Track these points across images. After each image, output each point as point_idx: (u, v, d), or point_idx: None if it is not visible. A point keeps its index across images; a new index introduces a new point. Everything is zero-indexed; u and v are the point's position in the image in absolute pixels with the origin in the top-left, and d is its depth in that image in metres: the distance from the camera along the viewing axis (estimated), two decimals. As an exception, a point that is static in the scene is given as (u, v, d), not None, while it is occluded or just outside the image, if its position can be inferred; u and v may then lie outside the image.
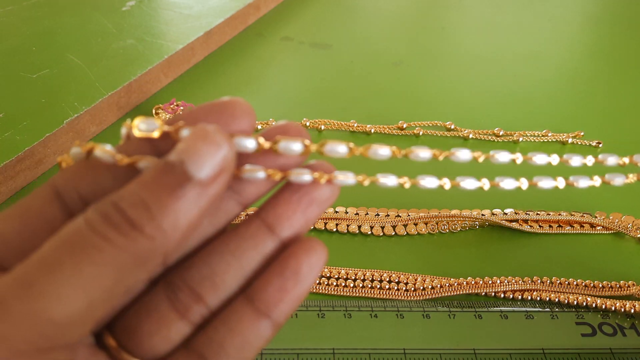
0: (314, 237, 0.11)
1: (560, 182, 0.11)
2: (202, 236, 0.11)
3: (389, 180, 0.11)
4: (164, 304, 0.11)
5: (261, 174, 0.11)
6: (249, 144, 0.10)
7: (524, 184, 0.11)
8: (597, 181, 0.11)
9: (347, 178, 0.11)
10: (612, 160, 0.11)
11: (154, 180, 0.09)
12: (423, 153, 0.11)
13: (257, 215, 0.11)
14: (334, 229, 0.22)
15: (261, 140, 0.10)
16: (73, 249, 0.08)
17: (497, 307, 0.19)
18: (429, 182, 0.11)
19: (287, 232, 0.11)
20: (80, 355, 0.10)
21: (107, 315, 0.11)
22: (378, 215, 0.23)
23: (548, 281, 0.20)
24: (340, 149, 0.11)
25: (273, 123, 0.29)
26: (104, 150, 0.10)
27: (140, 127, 0.10)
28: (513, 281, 0.20)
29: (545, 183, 0.11)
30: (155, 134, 0.10)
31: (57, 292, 0.08)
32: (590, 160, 0.11)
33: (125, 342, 0.10)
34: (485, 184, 0.11)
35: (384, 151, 0.11)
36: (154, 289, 0.11)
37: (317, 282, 0.20)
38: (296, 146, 0.10)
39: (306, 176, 0.11)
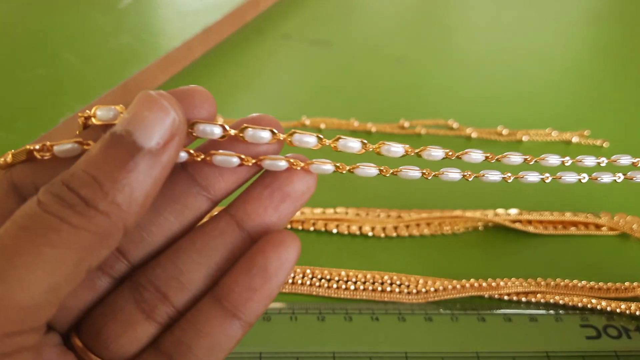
0: (284, 230, 0.10)
1: (584, 178, 0.11)
2: (168, 234, 0.11)
3: (369, 170, 0.11)
4: (130, 305, 0.10)
5: (234, 160, 0.10)
6: (216, 130, 0.10)
7: (548, 178, 0.11)
8: (619, 177, 0.11)
9: (323, 165, 0.10)
10: (624, 160, 0.11)
11: (103, 155, 0.09)
12: (435, 152, 0.11)
13: (226, 211, 0.11)
14: (334, 230, 0.22)
15: (227, 127, 0.10)
16: (30, 233, 0.08)
17: (500, 309, 0.19)
18: (410, 172, 0.11)
19: (258, 229, 0.10)
20: (47, 355, 0.10)
21: (74, 315, 0.11)
22: (379, 216, 0.23)
23: (552, 283, 0.20)
24: (309, 139, 0.10)
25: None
26: (64, 145, 0.10)
27: (98, 115, 0.10)
28: (517, 283, 0.19)
29: (570, 178, 0.11)
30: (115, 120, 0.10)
31: (19, 278, 0.08)
32: (603, 162, 0.11)
33: (91, 343, 0.10)
34: (471, 176, 0.11)
35: (353, 144, 0.10)
36: (120, 289, 0.11)
37: (317, 284, 0.20)
38: (264, 134, 0.10)
39: (281, 162, 0.10)
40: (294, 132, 0.10)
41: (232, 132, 0.10)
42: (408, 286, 0.19)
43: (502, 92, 0.32)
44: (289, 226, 0.22)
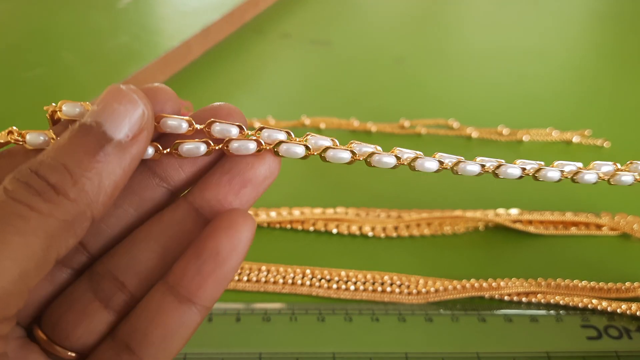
0: (237, 210, 0.10)
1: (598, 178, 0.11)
2: (125, 223, 0.11)
3: (341, 154, 0.10)
4: (87, 294, 0.10)
5: (202, 147, 0.10)
6: (183, 124, 0.10)
7: (567, 176, 0.11)
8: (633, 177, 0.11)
9: (294, 147, 0.10)
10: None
11: (72, 144, 0.09)
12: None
13: (184, 199, 0.11)
14: (334, 231, 0.22)
15: (193, 121, 0.10)
16: None
17: (501, 310, 0.19)
18: (385, 158, 0.11)
19: (215, 213, 0.10)
20: (12, 348, 0.10)
21: (34, 308, 0.10)
22: (379, 216, 0.23)
23: (553, 283, 0.19)
24: (279, 135, 0.10)
25: (271, 122, 0.28)
26: (36, 135, 0.10)
27: (64, 110, 0.10)
28: (517, 283, 0.19)
29: (590, 177, 0.11)
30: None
31: None
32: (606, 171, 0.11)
33: (53, 334, 0.10)
34: (448, 164, 0.11)
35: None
36: (78, 280, 0.11)
37: (317, 285, 0.20)
38: (233, 130, 0.10)
39: (250, 144, 0.10)
40: (263, 128, 0.10)
41: (198, 126, 0.10)
42: (408, 286, 0.19)
43: (502, 91, 0.32)
44: (289, 226, 0.22)
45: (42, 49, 0.33)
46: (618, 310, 0.18)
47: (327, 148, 0.10)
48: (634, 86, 0.33)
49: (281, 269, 0.20)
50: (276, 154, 0.10)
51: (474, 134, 0.28)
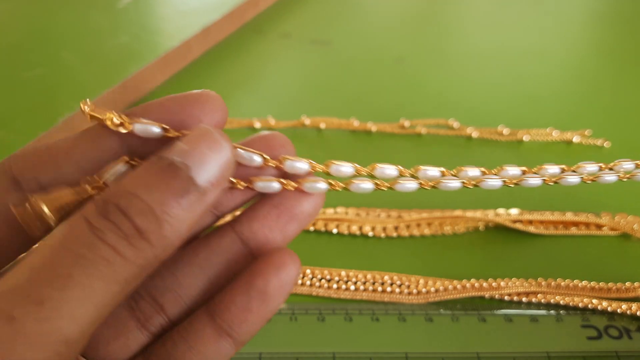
0: (285, 249, 0.10)
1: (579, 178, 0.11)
2: None
3: (364, 185, 0.11)
4: (124, 312, 0.10)
5: (275, 185, 0.10)
6: (256, 158, 0.10)
7: (550, 182, 0.11)
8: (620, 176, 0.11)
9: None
10: (627, 165, 0.11)
11: (158, 183, 0.08)
12: (431, 171, 0.11)
13: (231, 227, 0.11)
14: (334, 230, 0.22)
15: (267, 157, 0.10)
16: (82, 261, 0.08)
17: (501, 310, 0.19)
18: (407, 184, 0.11)
19: (261, 248, 0.10)
20: None
21: None
22: (379, 216, 0.23)
23: (553, 283, 0.19)
24: (345, 169, 0.10)
25: (271, 122, 0.28)
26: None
27: (137, 129, 0.10)
28: (517, 283, 0.19)
29: (572, 179, 0.11)
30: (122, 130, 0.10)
31: (71, 311, 0.08)
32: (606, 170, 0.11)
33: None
34: (470, 183, 0.11)
35: (390, 171, 0.10)
36: None
37: (317, 284, 0.20)
38: (303, 165, 0.10)
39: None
40: (330, 164, 0.10)
41: (272, 163, 0.10)
42: (408, 286, 0.19)
43: (502, 91, 0.32)
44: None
45: (42, 49, 0.33)
46: (618, 310, 0.18)
47: (351, 182, 0.11)
48: (634, 86, 0.33)
49: (281, 269, 0.20)
50: (303, 191, 0.10)
51: (474, 134, 0.28)
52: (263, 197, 0.11)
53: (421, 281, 0.19)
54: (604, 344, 0.17)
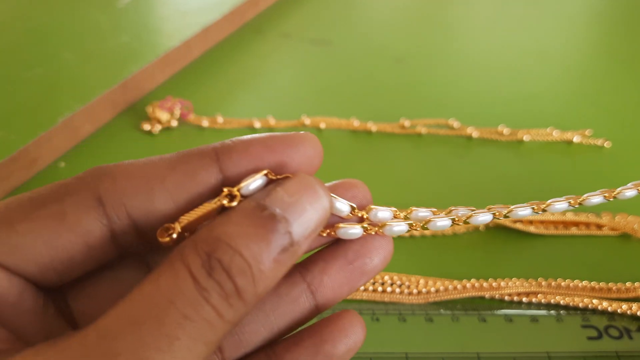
0: (354, 313, 0.10)
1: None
2: None
3: (441, 222, 0.11)
4: None
5: (358, 230, 0.10)
6: (345, 208, 0.10)
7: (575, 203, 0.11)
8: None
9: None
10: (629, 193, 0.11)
11: (258, 236, 0.08)
12: (441, 222, 0.11)
13: (302, 277, 0.11)
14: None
15: (355, 208, 0.10)
16: (188, 322, 0.08)
17: (501, 310, 0.19)
18: (485, 217, 0.11)
19: (329, 301, 0.10)
20: None
21: None
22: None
23: (553, 283, 0.19)
24: (440, 223, 0.10)
25: (271, 122, 0.28)
26: (253, 182, 0.09)
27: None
28: (518, 283, 0.19)
29: (630, 193, 0.11)
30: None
31: None
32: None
33: None
34: (500, 215, 0.11)
35: (443, 223, 0.11)
36: None
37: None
38: (386, 214, 0.10)
39: (401, 226, 0.10)
40: (412, 210, 0.11)
41: (360, 214, 0.10)
42: (409, 286, 0.19)
43: (503, 91, 0.32)
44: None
45: (42, 48, 0.33)
46: (618, 311, 0.18)
47: (429, 220, 0.11)
48: (635, 86, 0.33)
49: (281, 269, 0.20)
50: (383, 236, 0.11)
51: (475, 134, 0.28)
52: (335, 251, 0.11)
53: (421, 281, 0.19)
54: (604, 344, 0.17)
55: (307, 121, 0.28)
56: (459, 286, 0.19)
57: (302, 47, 0.37)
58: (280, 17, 0.41)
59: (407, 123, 0.28)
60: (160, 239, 0.09)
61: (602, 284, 0.19)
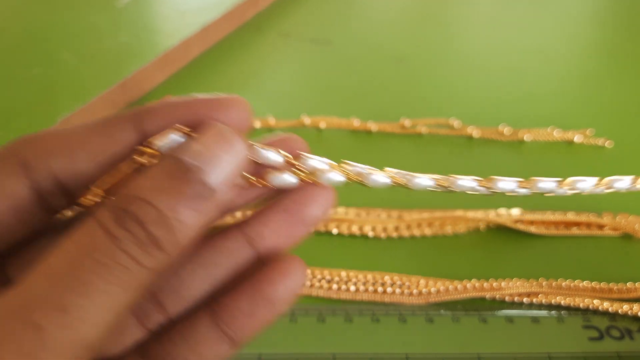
0: (293, 257, 0.10)
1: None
2: None
3: (380, 178, 0.11)
4: None
5: (291, 179, 0.10)
6: (272, 156, 0.10)
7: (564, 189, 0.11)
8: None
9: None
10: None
11: (170, 187, 0.08)
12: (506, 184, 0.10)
13: (239, 229, 0.11)
14: (335, 231, 0.22)
15: (285, 153, 0.10)
16: (103, 268, 0.08)
17: (502, 310, 0.19)
18: (424, 180, 0.11)
19: (268, 251, 0.10)
20: None
21: None
22: (380, 216, 0.22)
23: (554, 284, 0.19)
24: (380, 178, 0.10)
25: (271, 121, 0.28)
26: (166, 137, 0.09)
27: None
28: (519, 284, 0.19)
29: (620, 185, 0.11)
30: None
31: (92, 318, 0.08)
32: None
33: None
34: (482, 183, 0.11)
35: (424, 181, 0.10)
36: None
37: (317, 285, 0.19)
38: (317, 162, 0.10)
39: (336, 175, 0.10)
40: (345, 162, 0.11)
41: (294, 161, 0.10)
42: (409, 287, 0.19)
43: (504, 90, 0.32)
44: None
45: (41, 48, 0.33)
46: (620, 311, 0.18)
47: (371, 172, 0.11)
48: (637, 85, 0.33)
49: (281, 270, 0.20)
50: (319, 184, 0.11)
51: (475, 134, 0.28)
52: (273, 202, 0.11)
53: (422, 282, 0.19)
54: (605, 345, 0.17)
55: (307, 120, 0.28)
56: (459, 287, 0.19)
57: (302, 46, 0.37)
58: (280, 16, 0.41)
59: (407, 123, 0.28)
60: (82, 202, 0.09)
61: (603, 285, 0.19)
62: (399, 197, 0.23)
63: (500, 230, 0.22)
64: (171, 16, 0.37)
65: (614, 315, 0.18)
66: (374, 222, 0.22)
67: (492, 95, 0.32)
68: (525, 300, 0.19)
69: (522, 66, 0.35)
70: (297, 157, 0.10)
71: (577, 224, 0.22)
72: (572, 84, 0.33)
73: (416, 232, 0.22)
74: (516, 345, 0.17)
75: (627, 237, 0.22)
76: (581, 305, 0.19)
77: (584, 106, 0.31)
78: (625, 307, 0.18)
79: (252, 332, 0.10)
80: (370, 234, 0.22)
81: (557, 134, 0.28)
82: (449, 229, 0.22)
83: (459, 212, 0.22)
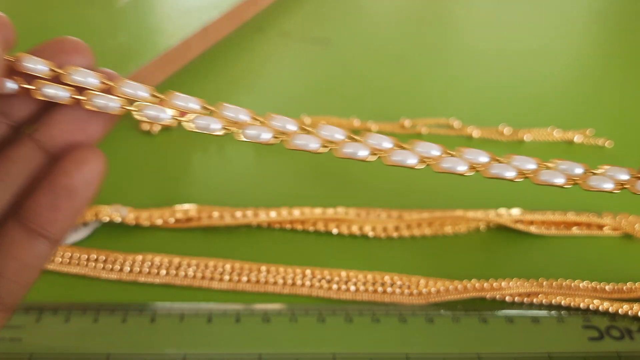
0: (87, 146, 0.10)
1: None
2: None
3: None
4: None
5: (63, 94, 0.10)
6: (41, 67, 0.10)
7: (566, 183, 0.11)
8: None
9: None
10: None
11: None
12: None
13: (30, 137, 0.11)
14: (335, 231, 0.22)
15: (54, 66, 0.10)
16: None
17: (502, 310, 0.19)
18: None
19: (61, 147, 0.10)
20: None
21: None
22: (380, 216, 0.22)
23: (554, 284, 0.19)
24: (141, 92, 0.10)
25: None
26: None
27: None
28: (519, 284, 0.19)
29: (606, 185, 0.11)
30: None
31: None
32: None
33: None
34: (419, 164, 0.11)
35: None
36: None
37: (317, 285, 0.19)
38: (91, 79, 0.10)
39: (113, 104, 0.10)
40: (122, 81, 0.10)
41: (62, 71, 0.10)
42: (409, 287, 0.19)
43: (504, 90, 0.32)
44: (289, 226, 0.22)
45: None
46: (620, 311, 0.18)
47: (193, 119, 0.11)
48: (637, 85, 0.33)
49: (281, 270, 0.20)
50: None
51: (475, 134, 0.28)
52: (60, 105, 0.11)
53: (422, 282, 0.19)
54: (605, 345, 0.17)
55: (307, 120, 0.28)
56: (459, 287, 0.19)
57: (302, 46, 0.37)
58: (280, 16, 0.41)
59: (407, 123, 0.28)
60: None
61: (603, 285, 0.19)
62: (399, 197, 0.23)
63: (500, 230, 0.22)
64: (171, 16, 0.37)
65: (614, 315, 0.18)
66: (374, 222, 0.22)
67: (492, 95, 0.32)
68: (525, 300, 0.19)
69: (522, 66, 0.35)
70: (114, 79, 0.10)
71: (577, 224, 0.22)
72: (572, 84, 0.33)
73: (416, 232, 0.22)
74: (516, 346, 0.17)
75: (627, 237, 0.22)
76: (581, 305, 0.19)
77: (584, 106, 0.31)
78: (625, 307, 0.18)
79: (61, 226, 0.10)
80: (370, 234, 0.22)
81: (557, 134, 0.28)
82: (449, 229, 0.22)
83: (459, 212, 0.22)
